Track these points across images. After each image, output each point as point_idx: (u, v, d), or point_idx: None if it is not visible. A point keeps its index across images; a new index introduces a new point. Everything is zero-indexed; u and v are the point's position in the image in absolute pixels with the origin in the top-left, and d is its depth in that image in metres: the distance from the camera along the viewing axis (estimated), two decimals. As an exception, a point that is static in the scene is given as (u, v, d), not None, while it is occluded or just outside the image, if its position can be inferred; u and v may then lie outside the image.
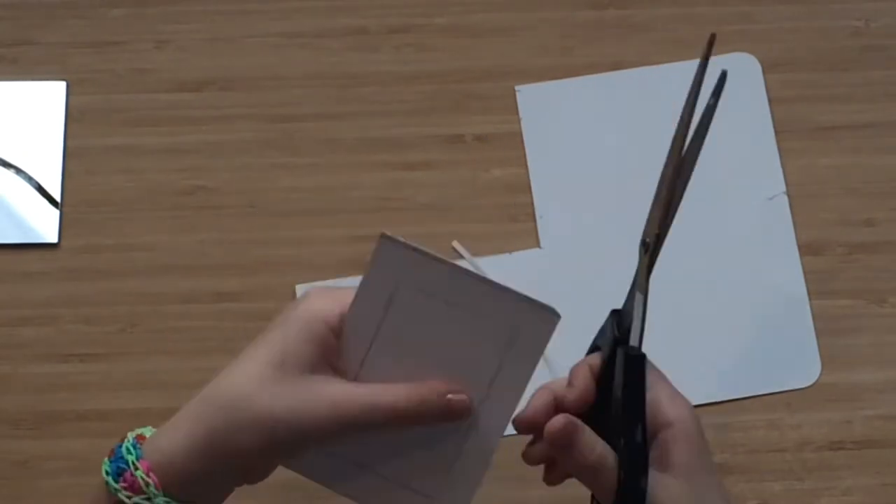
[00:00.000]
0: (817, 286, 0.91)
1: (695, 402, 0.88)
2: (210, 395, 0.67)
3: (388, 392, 0.67)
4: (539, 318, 0.67)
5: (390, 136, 0.95)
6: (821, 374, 0.89)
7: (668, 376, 0.88)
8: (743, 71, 0.96)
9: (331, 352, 0.68)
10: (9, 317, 0.90)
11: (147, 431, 0.68)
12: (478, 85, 0.97)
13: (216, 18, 0.98)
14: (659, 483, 0.67)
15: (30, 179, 0.94)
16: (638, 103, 0.96)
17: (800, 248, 0.92)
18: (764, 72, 0.96)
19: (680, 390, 0.88)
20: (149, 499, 0.65)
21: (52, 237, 0.92)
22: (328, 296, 0.69)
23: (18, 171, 0.94)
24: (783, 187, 0.93)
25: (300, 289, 0.89)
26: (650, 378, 0.70)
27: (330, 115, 0.96)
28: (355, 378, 0.68)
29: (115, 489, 0.65)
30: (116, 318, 0.90)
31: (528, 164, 0.94)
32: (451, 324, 0.67)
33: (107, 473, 0.66)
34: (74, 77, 0.96)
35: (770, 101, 0.95)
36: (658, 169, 0.95)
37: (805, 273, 0.91)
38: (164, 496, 0.65)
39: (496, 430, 0.68)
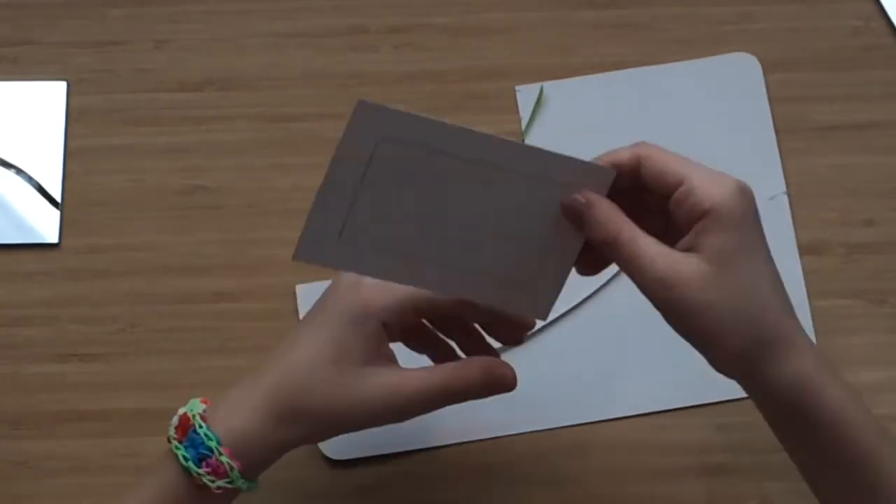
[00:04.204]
0: (817, 286, 0.91)
1: (694, 403, 0.89)
2: (271, 381, 0.72)
3: (435, 376, 0.71)
4: (594, 178, 0.66)
5: (390, 136, 0.95)
6: (821, 374, 0.88)
7: (668, 376, 0.89)
8: (743, 71, 0.96)
9: (383, 343, 0.73)
10: (9, 317, 0.90)
11: (195, 407, 0.72)
12: (478, 85, 0.96)
13: (216, 18, 0.98)
14: (675, 261, 0.65)
15: (30, 179, 0.94)
16: (638, 103, 0.96)
17: (800, 248, 0.92)
18: (764, 72, 0.96)
19: (680, 391, 0.88)
20: (231, 482, 0.70)
21: (53, 237, 0.92)
22: (381, 287, 0.72)
23: (18, 171, 0.94)
24: (783, 187, 0.93)
25: (300, 289, 0.89)
26: (680, 169, 0.66)
27: (330, 115, 0.95)
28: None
29: (199, 474, 0.69)
30: (116, 318, 0.90)
31: (528, 164, 0.94)
32: (468, 184, 0.65)
33: (185, 459, 0.70)
34: (74, 77, 0.96)
35: (770, 101, 0.95)
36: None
37: (805, 273, 0.91)
38: (243, 478, 0.70)
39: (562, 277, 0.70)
